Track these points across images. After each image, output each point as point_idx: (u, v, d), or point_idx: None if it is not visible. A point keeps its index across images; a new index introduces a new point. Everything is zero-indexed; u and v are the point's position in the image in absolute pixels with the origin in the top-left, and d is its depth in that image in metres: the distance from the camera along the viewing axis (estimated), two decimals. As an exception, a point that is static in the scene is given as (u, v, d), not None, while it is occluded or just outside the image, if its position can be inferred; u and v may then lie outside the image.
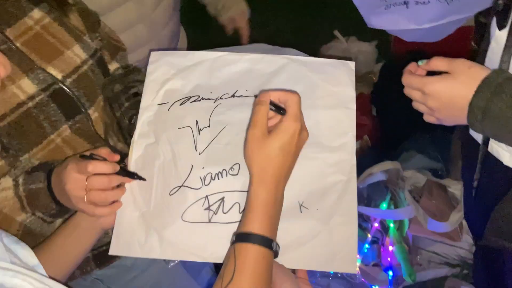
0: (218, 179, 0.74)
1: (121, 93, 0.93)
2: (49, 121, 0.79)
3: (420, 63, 0.70)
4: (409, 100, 2.14)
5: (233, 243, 0.63)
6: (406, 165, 1.66)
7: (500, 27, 0.68)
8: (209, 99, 0.78)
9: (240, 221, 0.65)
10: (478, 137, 0.80)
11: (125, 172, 0.75)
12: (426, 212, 1.44)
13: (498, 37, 0.70)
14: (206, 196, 0.73)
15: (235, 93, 0.78)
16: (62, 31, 0.83)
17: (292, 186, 0.70)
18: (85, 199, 0.70)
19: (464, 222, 1.45)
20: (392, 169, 1.61)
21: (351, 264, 0.71)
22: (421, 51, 2.09)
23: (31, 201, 0.76)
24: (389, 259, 1.47)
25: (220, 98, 0.78)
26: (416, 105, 0.71)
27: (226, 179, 0.74)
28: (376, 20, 1.11)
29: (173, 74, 0.81)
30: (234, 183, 0.73)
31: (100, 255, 0.94)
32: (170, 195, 0.75)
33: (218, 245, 0.70)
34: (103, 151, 0.74)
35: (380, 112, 2.02)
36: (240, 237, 0.62)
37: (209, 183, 0.74)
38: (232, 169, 0.74)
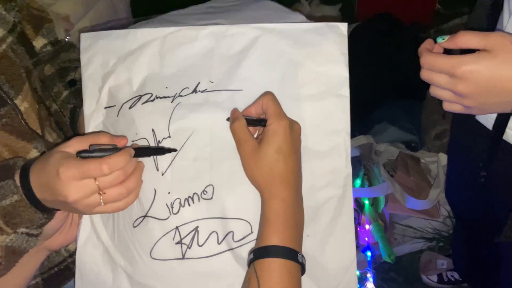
0: (189, 205, 0.59)
1: (55, 77, 0.75)
2: None
3: (440, 39, 0.56)
4: (377, 68, 2.02)
5: (251, 262, 0.53)
6: (379, 138, 1.58)
7: None
8: (165, 97, 0.60)
9: (257, 239, 0.55)
10: (488, 122, 0.70)
11: (145, 150, 0.58)
12: (403, 188, 1.37)
13: None
14: (176, 228, 0.59)
15: (197, 86, 0.60)
16: None
17: None
18: (102, 203, 0.56)
19: (441, 196, 1.41)
20: (365, 143, 1.53)
21: None
22: (387, 14, 2.01)
23: (9, 220, 0.60)
24: (366, 238, 1.41)
25: (179, 95, 0.60)
26: (436, 92, 0.57)
27: (199, 204, 0.59)
28: None
29: (114, 65, 0.62)
30: (209, 209, 0.59)
31: (51, 278, 0.79)
32: (134, 227, 0.61)
33: (197, 283, 0.59)
34: (104, 139, 0.58)
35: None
36: (259, 252, 0.52)
37: (178, 211, 0.59)
38: (204, 192, 0.59)
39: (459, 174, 0.96)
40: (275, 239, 0.52)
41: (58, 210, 0.60)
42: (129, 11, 1.23)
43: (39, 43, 0.76)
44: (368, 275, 1.37)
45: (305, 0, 2.06)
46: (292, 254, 0.52)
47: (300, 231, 0.55)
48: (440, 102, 0.60)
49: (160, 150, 0.59)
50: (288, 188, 0.54)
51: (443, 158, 1.37)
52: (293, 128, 0.55)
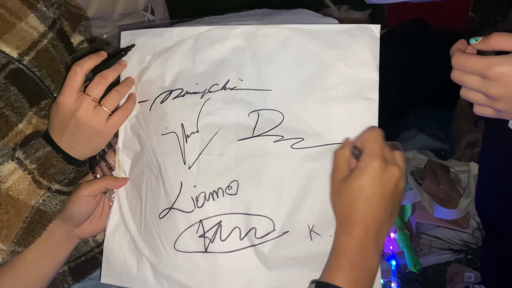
0: (213, 200, 0.60)
1: (92, 74, 0.79)
2: (12, 108, 0.65)
3: (473, 41, 0.54)
4: (407, 74, 1.98)
5: None
6: (407, 145, 1.55)
7: None
8: (195, 93, 0.62)
9: (325, 267, 0.54)
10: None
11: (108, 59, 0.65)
12: (431, 197, 1.34)
13: None
14: (200, 221, 0.60)
15: (226, 83, 0.61)
16: None
17: (300, 206, 0.58)
18: (106, 109, 0.63)
19: (471, 206, 1.37)
20: (393, 150, 1.50)
21: None
22: (419, 20, 1.97)
23: (44, 170, 0.65)
24: (391, 247, 1.38)
25: (209, 91, 0.62)
26: (466, 94, 0.56)
27: (223, 199, 0.60)
28: None
29: (149, 61, 0.65)
30: (232, 204, 0.60)
31: (78, 267, 0.82)
32: (160, 218, 0.62)
33: (218, 277, 0.59)
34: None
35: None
36: (322, 287, 0.51)
37: (203, 204, 0.60)
38: (229, 188, 0.60)
39: (490, 184, 0.93)
40: (340, 278, 0.50)
41: (84, 161, 0.66)
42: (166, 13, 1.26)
43: (76, 39, 0.79)
44: (393, 284, 1.34)
45: (334, 6, 2.05)
46: None
47: (366, 279, 0.52)
48: (471, 110, 0.59)
49: (119, 53, 0.65)
50: (364, 230, 0.52)
51: (474, 167, 1.33)
52: (387, 171, 0.52)
